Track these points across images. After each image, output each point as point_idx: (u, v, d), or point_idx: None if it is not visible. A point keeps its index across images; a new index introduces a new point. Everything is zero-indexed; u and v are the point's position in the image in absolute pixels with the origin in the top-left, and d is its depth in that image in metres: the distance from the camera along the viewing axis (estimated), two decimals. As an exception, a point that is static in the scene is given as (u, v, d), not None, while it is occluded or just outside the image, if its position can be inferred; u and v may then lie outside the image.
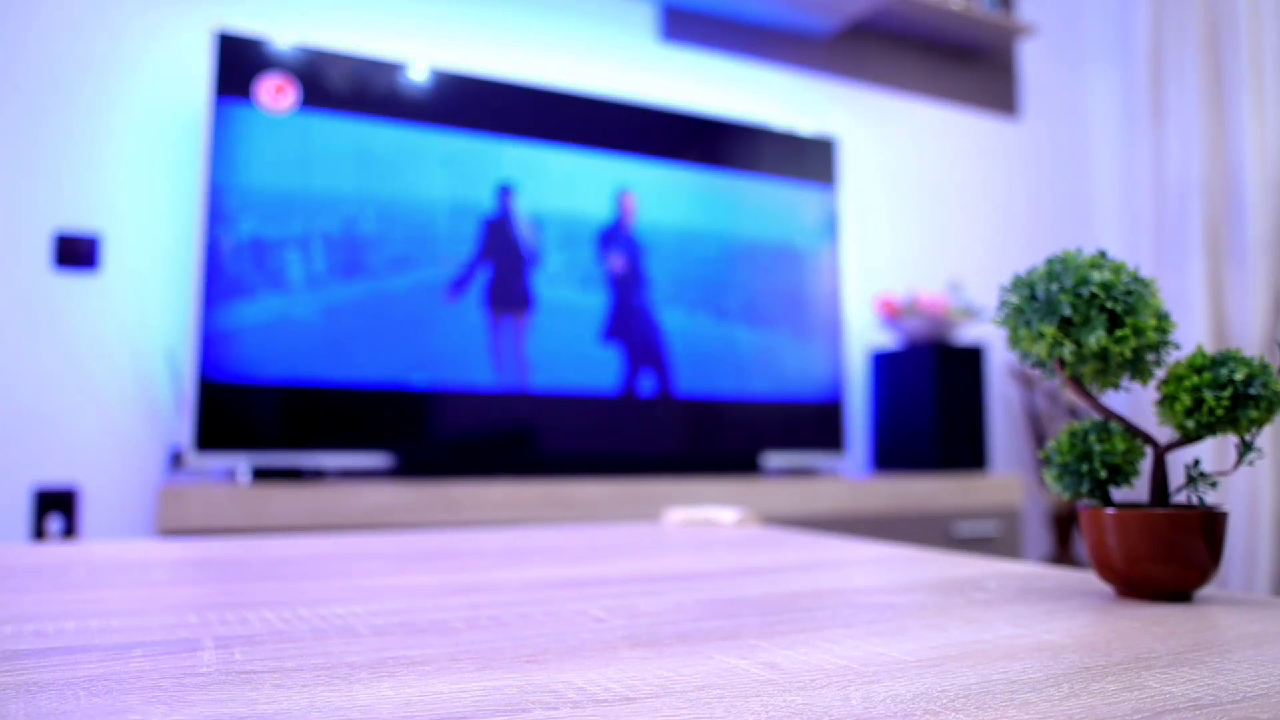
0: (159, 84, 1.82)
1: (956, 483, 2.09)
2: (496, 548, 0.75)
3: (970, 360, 2.25)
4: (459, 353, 1.83)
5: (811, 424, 2.18)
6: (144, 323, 1.78)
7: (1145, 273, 2.62)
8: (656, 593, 0.52)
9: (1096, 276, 0.47)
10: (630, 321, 1.99)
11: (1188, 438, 0.49)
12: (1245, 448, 0.48)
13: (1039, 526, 2.70)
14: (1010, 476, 2.19)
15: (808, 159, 2.26)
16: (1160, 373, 0.51)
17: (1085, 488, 0.52)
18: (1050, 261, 0.49)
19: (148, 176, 1.80)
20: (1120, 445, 0.51)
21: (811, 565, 0.65)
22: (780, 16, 2.41)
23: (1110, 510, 0.49)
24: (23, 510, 1.67)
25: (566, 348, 1.93)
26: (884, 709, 0.29)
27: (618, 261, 1.98)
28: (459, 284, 1.81)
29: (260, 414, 1.67)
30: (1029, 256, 2.85)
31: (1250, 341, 2.39)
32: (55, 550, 0.72)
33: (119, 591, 0.51)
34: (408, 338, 1.78)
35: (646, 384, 2.00)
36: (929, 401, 2.20)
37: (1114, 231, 2.93)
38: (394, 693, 0.30)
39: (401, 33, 2.05)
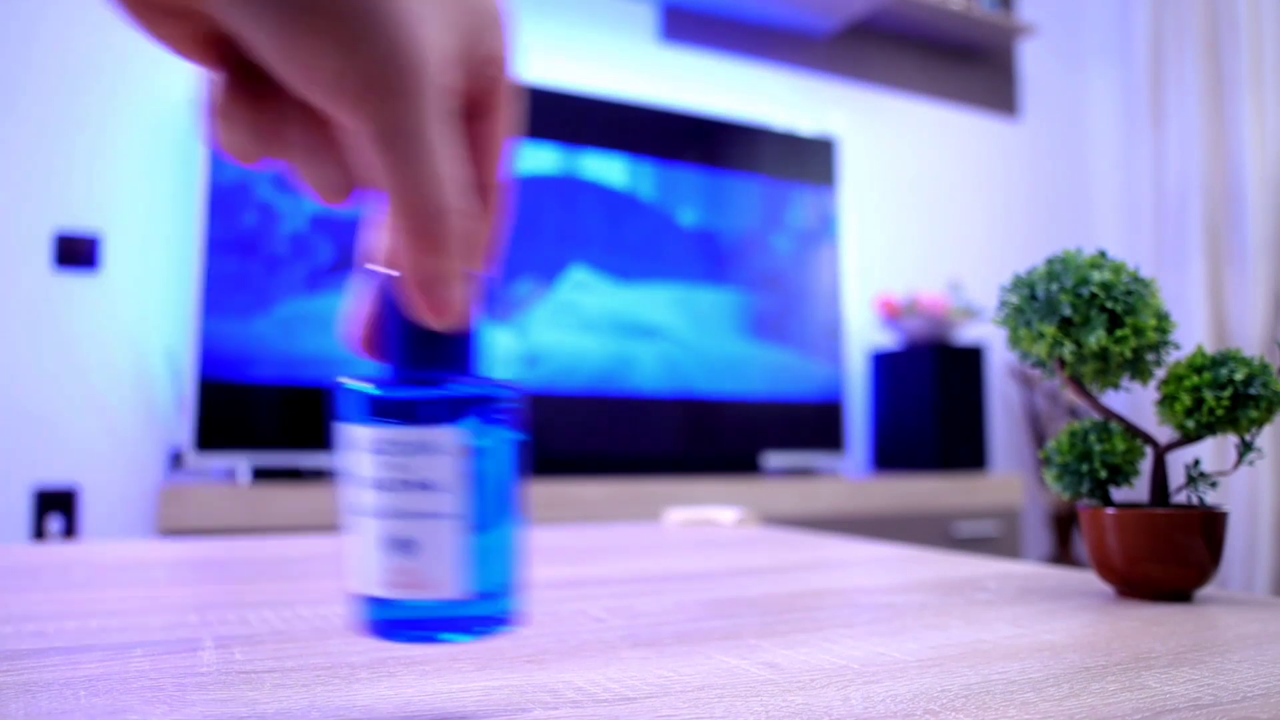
0: (159, 83, 1.82)
1: (956, 483, 2.09)
2: (496, 548, 0.75)
3: (970, 360, 2.25)
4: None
5: (811, 424, 2.18)
6: (144, 323, 1.78)
7: (1145, 273, 2.61)
8: (656, 593, 0.52)
9: (1096, 276, 0.47)
10: (628, 320, 1.99)
11: (1188, 438, 0.49)
12: (1245, 448, 0.48)
13: (1039, 526, 2.70)
14: (1010, 476, 2.19)
15: (807, 159, 2.26)
16: (1160, 373, 0.51)
17: (1085, 488, 0.52)
18: (1050, 261, 0.49)
19: (148, 176, 1.80)
20: (1120, 445, 0.51)
21: (811, 565, 0.65)
22: (780, 16, 2.40)
23: (1110, 510, 0.49)
24: (23, 510, 1.67)
25: (566, 347, 1.93)
26: (884, 709, 0.29)
27: (617, 259, 1.98)
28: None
29: (260, 414, 1.67)
30: (1029, 256, 2.85)
31: (1250, 341, 2.39)
32: (55, 550, 0.72)
33: (119, 591, 0.51)
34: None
35: (646, 384, 2.00)
36: (929, 401, 2.20)
37: (1114, 231, 2.93)
38: (394, 693, 0.30)
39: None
